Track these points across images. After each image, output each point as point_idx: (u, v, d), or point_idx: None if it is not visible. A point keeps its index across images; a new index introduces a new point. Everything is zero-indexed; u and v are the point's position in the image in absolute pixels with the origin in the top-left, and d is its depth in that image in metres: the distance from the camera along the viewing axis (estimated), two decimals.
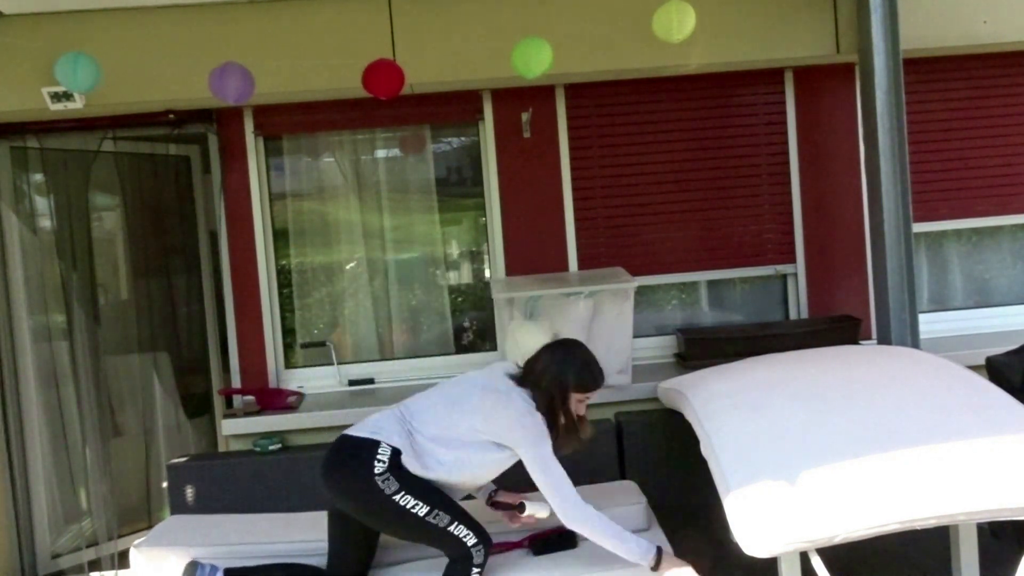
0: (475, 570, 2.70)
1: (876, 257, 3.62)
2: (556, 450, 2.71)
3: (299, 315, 4.23)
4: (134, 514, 4.34)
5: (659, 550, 2.65)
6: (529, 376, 2.77)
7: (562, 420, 2.74)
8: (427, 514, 2.66)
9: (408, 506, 2.65)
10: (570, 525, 2.66)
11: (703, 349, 3.96)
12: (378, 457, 2.66)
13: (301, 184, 4.22)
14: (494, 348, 4.24)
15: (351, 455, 2.71)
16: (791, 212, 4.25)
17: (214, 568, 2.87)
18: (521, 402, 2.71)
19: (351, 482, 2.68)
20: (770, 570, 2.62)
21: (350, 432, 2.79)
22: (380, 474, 2.65)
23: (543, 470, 2.64)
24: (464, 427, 2.71)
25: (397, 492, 2.65)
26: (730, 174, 4.23)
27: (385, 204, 4.25)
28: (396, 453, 2.69)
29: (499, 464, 2.75)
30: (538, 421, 2.69)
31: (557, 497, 2.65)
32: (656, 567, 2.63)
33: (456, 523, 2.70)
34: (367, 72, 3.30)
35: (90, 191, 4.25)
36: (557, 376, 2.73)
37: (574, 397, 2.76)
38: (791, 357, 3.16)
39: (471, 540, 2.70)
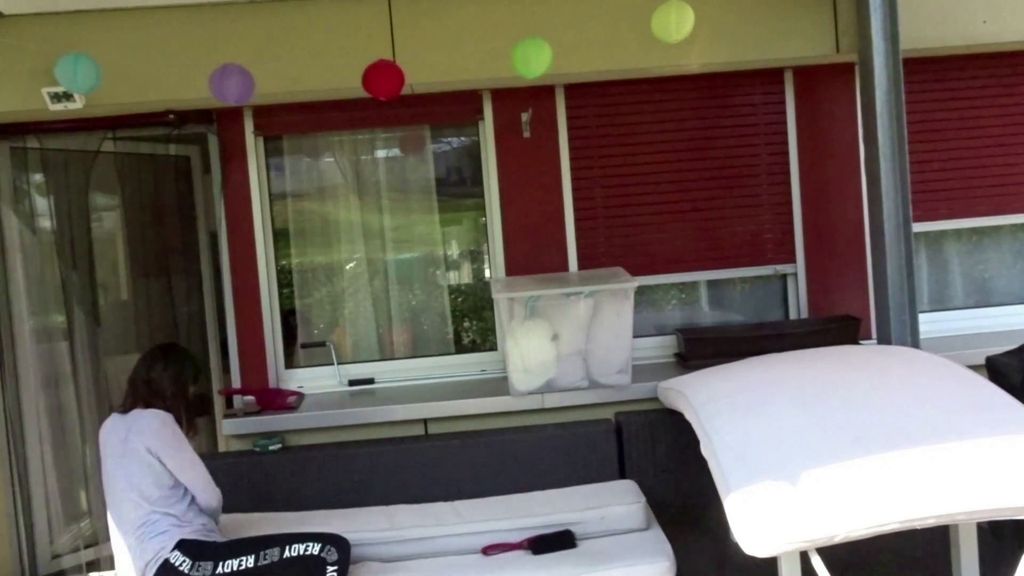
0: (331, 569, 2.68)
1: (876, 257, 3.62)
2: (191, 431, 3.02)
3: (299, 315, 4.22)
4: None
5: None
6: (149, 390, 2.91)
7: (188, 408, 2.99)
8: (257, 559, 2.65)
9: (240, 569, 2.64)
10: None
11: (703, 349, 3.95)
12: (178, 568, 2.65)
13: (301, 184, 4.22)
14: (494, 348, 4.24)
15: None
16: (791, 212, 4.24)
17: None
18: (152, 418, 2.83)
19: None
20: (770, 570, 2.62)
21: None
22: (190, 572, 2.64)
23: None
24: (170, 466, 2.79)
25: (215, 568, 2.64)
26: (730, 174, 4.22)
27: (385, 204, 4.25)
28: (179, 545, 2.68)
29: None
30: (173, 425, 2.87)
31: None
32: None
33: (288, 545, 2.69)
34: (367, 72, 3.30)
35: (90, 191, 4.24)
36: (178, 376, 2.96)
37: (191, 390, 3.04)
38: (791, 357, 3.16)
39: (315, 548, 2.69)
